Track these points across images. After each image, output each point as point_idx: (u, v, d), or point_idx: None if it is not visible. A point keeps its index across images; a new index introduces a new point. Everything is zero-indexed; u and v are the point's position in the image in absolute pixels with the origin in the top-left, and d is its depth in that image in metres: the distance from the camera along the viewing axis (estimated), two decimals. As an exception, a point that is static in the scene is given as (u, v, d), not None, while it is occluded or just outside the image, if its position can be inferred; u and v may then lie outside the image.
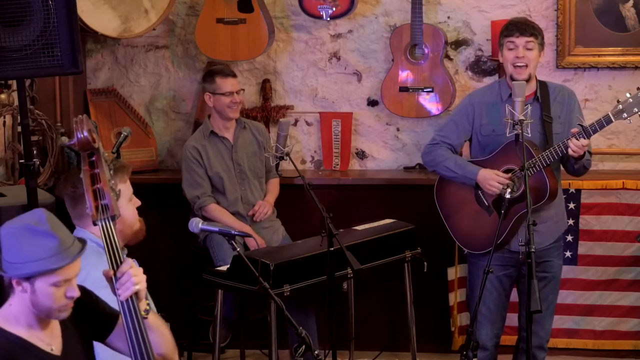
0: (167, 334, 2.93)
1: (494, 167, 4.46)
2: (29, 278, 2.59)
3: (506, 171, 4.42)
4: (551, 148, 4.31)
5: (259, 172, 5.38)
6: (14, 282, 2.61)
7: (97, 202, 2.74)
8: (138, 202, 3.42)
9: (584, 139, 4.22)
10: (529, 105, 4.15)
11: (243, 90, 5.45)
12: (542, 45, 4.49)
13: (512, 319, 4.79)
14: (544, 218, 4.43)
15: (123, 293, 2.71)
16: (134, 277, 2.73)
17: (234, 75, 5.33)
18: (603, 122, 4.25)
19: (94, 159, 2.76)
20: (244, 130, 5.38)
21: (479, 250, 4.52)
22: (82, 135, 2.71)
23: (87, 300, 2.81)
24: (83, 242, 2.70)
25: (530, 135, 4.17)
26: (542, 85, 4.52)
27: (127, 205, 3.34)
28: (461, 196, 4.57)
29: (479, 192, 4.51)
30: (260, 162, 5.38)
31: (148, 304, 2.83)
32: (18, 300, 2.64)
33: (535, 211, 4.31)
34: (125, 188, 3.33)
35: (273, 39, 5.76)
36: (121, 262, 2.75)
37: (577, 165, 4.40)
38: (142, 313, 2.77)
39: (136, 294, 2.75)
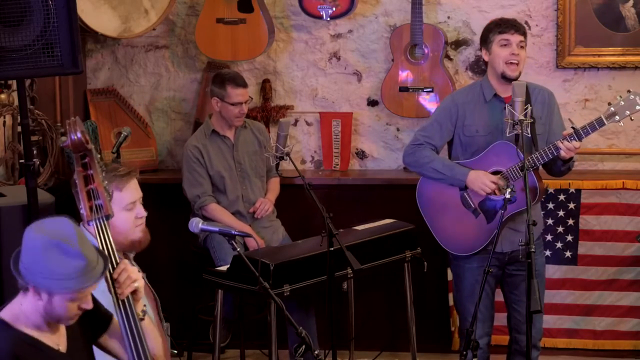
0: (159, 340, 2.93)
1: (481, 169, 4.43)
2: (50, 291, 2.58)
3: (494, 173, 4.40)
4: (541, 150, 4.29)
5: (260, 171, 5.38)
6: (31, 288, 2.59)
7: (91, 203, 2.76)
8: (143, 213, 3.31)
9: (576, 141, 4.22)
10: (529, 105, 4.13)
11: (252, 98, 5.41)
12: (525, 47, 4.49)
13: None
14: (525, 219, 4.42)
15: (123, 291, 2.72)
16: (132, 274, 2.74)
17: (246, 85, 5.26)
18: (595, 125, 4.23)
19: (86, 160, 2.77)
20: (245, 129, 5.38)
21: (463, 253, 4.51)
22: (75, 137, 2.72)
23: None
24: (105, 258, 2.68)
25: (529, 135, 4.16)
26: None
27: (120, 214, 3.18)
28: (445, 198, 4.53)
29: (465, 194, 4.49)
30: (261, 161, 5.37)
31: (145, 305, 2.84)
32: (30, 302, 2.63)
33: (519, 213, 4.32)
34: (121, 196, 3.23)
35: (273, 39, 5.76)
36: (117, 262, 2.75)
37: (564, 167, 4.40)
38: (140, 314, 2.78)
39: (134, 293, 2.76)
